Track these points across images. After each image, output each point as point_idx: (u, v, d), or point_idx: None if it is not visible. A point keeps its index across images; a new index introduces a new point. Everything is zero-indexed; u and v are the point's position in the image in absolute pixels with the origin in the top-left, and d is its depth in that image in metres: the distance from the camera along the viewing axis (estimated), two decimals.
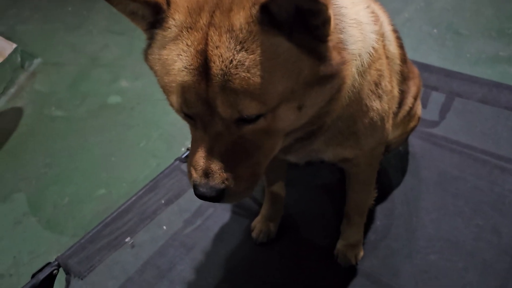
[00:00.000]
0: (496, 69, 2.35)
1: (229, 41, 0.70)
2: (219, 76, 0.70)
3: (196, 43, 0.71)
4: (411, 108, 1.37)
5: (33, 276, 1.37)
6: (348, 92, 0.88)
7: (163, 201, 1.64)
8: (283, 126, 0.80)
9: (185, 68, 0.72)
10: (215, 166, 0.78)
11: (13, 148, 2.45)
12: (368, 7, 0.96)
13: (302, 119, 0.81)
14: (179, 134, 2.32)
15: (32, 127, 2.59)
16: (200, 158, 0.79)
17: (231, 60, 0.69)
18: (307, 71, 0.73)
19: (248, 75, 0.70)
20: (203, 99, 0.73)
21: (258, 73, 0.70)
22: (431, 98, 1.90)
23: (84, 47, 3.22)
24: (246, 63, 0.69)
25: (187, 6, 0.74)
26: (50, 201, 2.11)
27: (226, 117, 0.74)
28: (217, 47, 0.70)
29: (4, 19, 3.62)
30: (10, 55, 2.93)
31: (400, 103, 1.25)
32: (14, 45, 2.98)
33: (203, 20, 0.72)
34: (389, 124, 1.07)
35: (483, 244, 1.34)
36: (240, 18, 0.70)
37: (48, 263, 1.41)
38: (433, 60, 2.41)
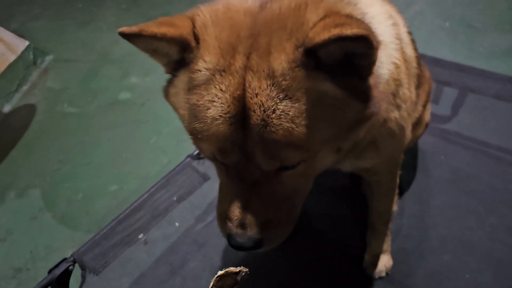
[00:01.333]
0: (510, 63, 2.31)
1: (270, 88, 0.63)
2: (260, 126, 0.64)
3: (232, 88, 0.65)
4: (419, 116, 1.33)
5: (49, 271, 1.39)
6: None
7: (175, 198, 1.65)
8: (321, 168, 0.77)
9: (221, 116, 0.65)
10: (253, 217, 0.73)
11: (27, 145, 2.49)
12: (390, 17, 0.90)
13: (340, 158, 0.78)
14: None
15: (45, 124, 2.63)
16: (236, 208, 0.73)
17: (274, 110, 0.63)
18: (352, 114, 0.68)
19: (293, 125, 0.63)
20: (240, 149, 0.67)
21: (303, 122, 0.64)
22: (443, 93, 1.88)
23: (94, 44, 3.25)
24: (291, 113, 0.63)
25: (219, 47, 0.66)
26: (64, 196, 2.14)
27: (266, 167, 0.69)
28: (256, 95, 0.63)
29: (16, 16, 3.66)
30: (23, 52, 2.96)
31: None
32: (27, 43, 3.02)
33: (238, 63, 0.65)
34: (408, 131, 1.03)
35: (497, 244, 1.33)
36: (282, 62, 0.63)
37: (64, 259, 1.43)
38: (445, 54, 2.38)
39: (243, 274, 0.78)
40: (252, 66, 0.64)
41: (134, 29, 0.67)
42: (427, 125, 1.48)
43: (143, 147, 2.33)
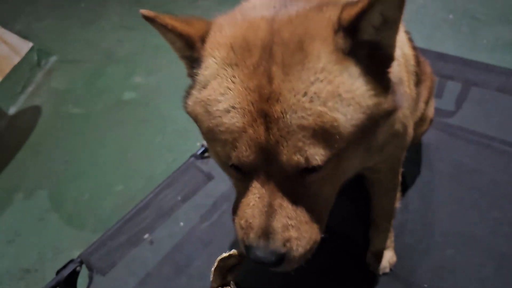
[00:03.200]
0: None
1: (301, 73, 0.62)
2: (289, 113, 0.61)
3: (245, 79, 0.63)
4: (422, 114, 1.33)
5: (57, 272, 1.42)
6: None
7: (179, 198, 1.66)
8: (349, 170, 0.73)
9: (233, 107, 0.64)
10: (277, 224, 0.67)
11: (34, 146, 2.52)
12: None
13: (368, 161, 0.75)
14: (194, 128, 2.33)
15: (50, 125, 2.66)
16: (257, 215, 0.67)
17: (305, 93, 0.61)
18: (380, 106, 0.67)
19: (325, 109, 0.61)
20: (259, 146, 0.63)
21: (335, 106, 0.62)
22: (446, 87, 1.86)
23: (98, 44, 3.26)
24: (323, 95, 0.61)
25: (230, 43, 0.67)
26: (71, 197, 2.17)
27: (290, 167, 0.64)
28: (284, 81, 0.62)
29: (21, 18, 3.68)
30: (27, 54, 2.99)
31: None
32: (31, 44, 3.04)
33: (255, 56, 0.64)
34: (411, 128, 1.02)
35: (500, 238, 1.32)
36: (317, 46, 0.63)
37: (71, 260, 1.45)
38: (449, 47, 2.37)
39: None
40: (275, 58, 0.63)
41: (151, 14, 0.72)
42: (431, 121, 1.47)
43: (148, 147, 2.35)
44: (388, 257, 1.33)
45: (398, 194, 1.29)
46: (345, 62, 0.64)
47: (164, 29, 0.73)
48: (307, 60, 0.63)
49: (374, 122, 0.67)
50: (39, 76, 3.04)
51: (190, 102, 0.74)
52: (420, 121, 1.36)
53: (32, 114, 2.74)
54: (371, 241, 1.36)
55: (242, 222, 0.70)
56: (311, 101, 0.61)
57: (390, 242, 1.35)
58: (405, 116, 0.94)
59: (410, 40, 1.07)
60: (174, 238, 1.55)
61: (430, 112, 1.44)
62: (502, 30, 2.49)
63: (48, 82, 2.99)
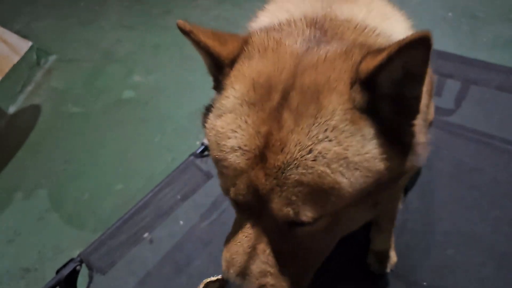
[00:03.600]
0: None
1: (310, 128, 0.60)
2: (290, 166, 0.60)
3: (258, 122, 0.62)
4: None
5: (57, 271, 1.42)
6: None
7: (179, 197, 1.66)
8: (351, 226, 0.71)
9: (240, 148, 0.64)
10: (255, 268, 0.67)
11: (33, 145, 2.52)
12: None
13: (368, 217, 0.72)
14: (193, 127, 2.34)
15: (50, 124, 2.65)
16: (240, 253, 0.68)
17: (310, 150, 0.59)
18: (393, 170, 0.63)
19: (327, 170, 0.59)
20: (255, 189, 0.63)
21: (339, 169, 0.59)
22: (446, 86, 1.86)
23: (97, 43, 3.26)
24: (328, 156, 0.59)
25: (253, 78, 0.65)
26: (70, 196, 2.17)
27: (279, 216, 0.64)
28: (292, 132, 0.60)
29: (20, 17, 3.67)
30: (26, 53, 2.98)
31: None
32: (30, 43, 3.03)
33: (274, 100, 0.62)
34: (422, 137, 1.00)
35: (500, 237, 1.32)
36: (333, 101, 0.60)
37: (71, 259, 1.45)
38: (448, 45, 2.36)
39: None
40: (290, 105, 0.61)
41: (187, 27, 0.70)
42: (431, 123, 1.47)
43: (148, 146, 2.35)
44: (389, 258, 1.33)
45: (401, 196, 1.30)
46: (360, 122, 0.61)
47: (197, 45, 0.72)
48: (320, 114, 0.60)
49: (384, 185, 0.64)
50: (38, 76, 3.04)
51: (206, 124, 0.74)
52: None
53: (31, 113, 2.74)
54: (372, 241, 1.35)
55: (228, 255, 0.71)
56: (314, 159, 0.59)
57: (391, 242, 1.34)
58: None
59: None
60: (174, 237, 1.55)
61: (430, 115, 1.44)
62: (501, 28, 2.49)
63: (48, 81, 2.99)
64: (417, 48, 0.55)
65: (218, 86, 0.73)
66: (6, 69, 2.80)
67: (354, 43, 0.67)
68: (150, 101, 2.64)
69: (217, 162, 0.69)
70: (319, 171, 0.59)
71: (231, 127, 0.65)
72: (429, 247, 1.35)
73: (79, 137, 2.51)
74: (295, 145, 0.60)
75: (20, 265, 1.89)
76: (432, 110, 1.45)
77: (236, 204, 0.71)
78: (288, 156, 0.60)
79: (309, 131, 0.60)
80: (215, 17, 3.13)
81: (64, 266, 1.43)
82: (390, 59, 0.57)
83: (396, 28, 0.82)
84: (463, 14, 2.68)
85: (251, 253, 0.67)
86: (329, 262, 1.36)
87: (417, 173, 1.57)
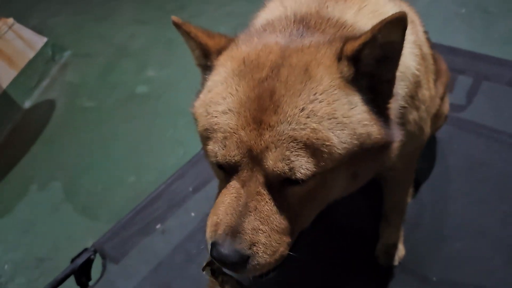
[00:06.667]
0: None
1: (301, 92, 0.66)
2: (284, 123, 0.65)
3: (248, 89, 0.68)
4: (438, 110, 1.31)
5: (72, 261, 1.45)
6: None
7: (190, 189, 1.69)
8: (332, 193, 0.74)
9: (230, 110, 0.68)
10: (248, 225, 0.67)
11: (48, 139, 2.57)
12: (410, 22, 0.91)
13: (353, 187, 0.77)
14: None
15: (65, 118, 2.70)
16: (229, 213, 0.68)
17: (303, 108, 0.65)
18: (373, 137, 0.70)
19: (320, 127, 0.65)
20: (247, 149, 0.66)
21: (330, 127, 0.65)
22: (457, 81, 1.86)
23: (111, 38, 3.30)
24: (319, 114, 0.65)
25: (243, 57, 0.72)
26: (84, 188, 2.21)
27: (274, 173, 0.66)
28: (284, 96, 0.66)
29: (36, 13, 3.73)
30: (42, 48, 3.04)
31: None
32: (45, 39, 3.09)
33: (263, 73, 0.68)
34: (428, 128, 1.03)
35: (509, 230, 1.33)
36: (321, 71, 0.68)
37: (85, 249, 1.49)
38: (461, 41, 2.35)
39: None
40: (280, 77, 0.67)
41: (179, 21, 0.80)
42: (446, 118, 1.47)
43: (160, 140, 2.38)
44: (397, 251, 1.34)
45: (411, 190, 1.30)
46: (346, 89, 0.69)
47: (187, 35, 0.80)
48: (310, 81, 0.67)
49: (365, 152, 0.70)
50: (53, 71, 3.09)
51: (195, 103, 0.79)
52: (435, 118, 1.36)
53: (46, 107, 2.79)
54: (381, 234, 1.36)
55: (214, 218, 0.70)
56: (307, 116, 0.65)
57: (399, 235, 1.35)
58: (422, 118, 0.96)
59: (429, 39, 1.07)
60: (185, 228, 1.58)
61: (445, 108, 1.44)
62: None
63: (63, 76, 3.04)
64: (395, 25, 0.64)
65: (206, 75, 0.80)
66: (22, 65, 2.86)
67: (335, 35, 0.75)
68: (163, 96, 2.67)
69: (206, 130, 0.71)
70: (311, 127, 0.65)
71: (222, 95, 0.70)
72: (437, 240, 1.36)
73: (93, 130, 2.55)
74: (288, 105, 0.65)
75: (34, 255, 1.93)
76: (447, 104, 1.45)
77: (222, 168, 0.72)
78: (282, 115, 0.65)
79: (300, 94, 0.66)
80: (228, 13, 3.15)
81: (79, 255, 1.47)
82: (373, 36, 0.66)
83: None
84: (476, 9, 2.66)
85: (242, 212, 0.67)
86: (338, 254, 1.38)
87: (428, 167, 1.57)
